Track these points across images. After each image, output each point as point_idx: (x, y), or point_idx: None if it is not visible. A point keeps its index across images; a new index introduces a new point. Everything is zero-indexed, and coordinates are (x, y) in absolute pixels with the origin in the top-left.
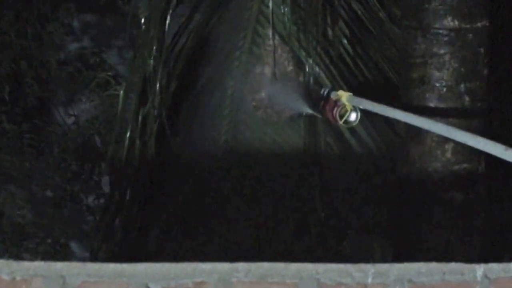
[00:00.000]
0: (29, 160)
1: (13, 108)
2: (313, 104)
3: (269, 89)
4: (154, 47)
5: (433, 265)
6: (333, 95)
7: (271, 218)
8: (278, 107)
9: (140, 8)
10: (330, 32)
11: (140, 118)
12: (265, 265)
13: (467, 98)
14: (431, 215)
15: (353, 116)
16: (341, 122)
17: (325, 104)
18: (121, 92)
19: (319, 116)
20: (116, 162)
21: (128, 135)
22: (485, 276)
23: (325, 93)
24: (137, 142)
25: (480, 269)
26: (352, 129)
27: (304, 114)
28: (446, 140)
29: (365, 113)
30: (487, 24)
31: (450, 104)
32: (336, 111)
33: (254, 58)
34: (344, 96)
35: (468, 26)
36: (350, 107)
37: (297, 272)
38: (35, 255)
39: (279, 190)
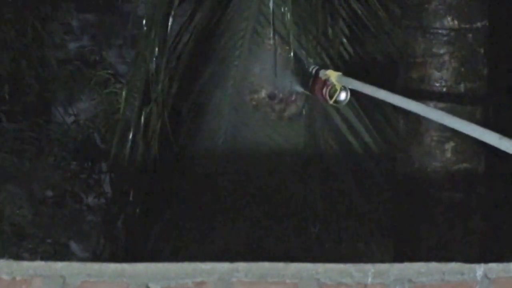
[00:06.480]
0: (29, 159)
1: (13, 107)
2: (302, 82)
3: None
4: (156, 48)
5: (433, 265)
6: (321, 74)
7: (271, 218)
8: (272, 85)
9: (141, 8)
10: (330, 32)
11: (143, 118)
12: (265, 265)
13: (467, 98)
14: (431, 215)
15: (342, 96)
16: (331, 102)
17: (314, 83)
18: (123, 92)
19: (309, 94)
20: (118, 162)
21: (130, 135)
22: (485, 276)
23: (314, 71)
24: (140, 142)
25: (480, 269)
26: (352, 129)
27: (295, 92)
28: (446, 140)
29: (365, 113)
30: (487, 24)
31: (450, 104)
32: (325, 91)
33: (254, 58)
34: (333, 75)
35: (467, 26)
36: (340, 87)
37: (297, 272)
38: (35, 255)
39: (279, 189)
